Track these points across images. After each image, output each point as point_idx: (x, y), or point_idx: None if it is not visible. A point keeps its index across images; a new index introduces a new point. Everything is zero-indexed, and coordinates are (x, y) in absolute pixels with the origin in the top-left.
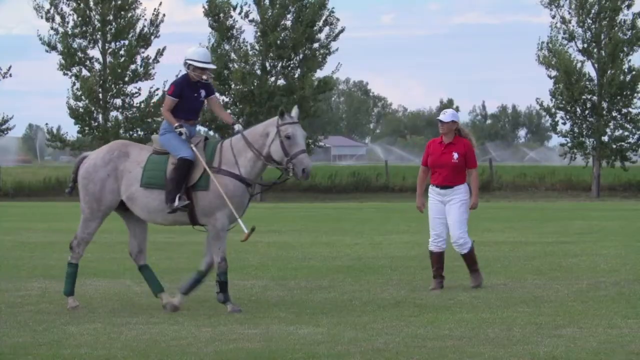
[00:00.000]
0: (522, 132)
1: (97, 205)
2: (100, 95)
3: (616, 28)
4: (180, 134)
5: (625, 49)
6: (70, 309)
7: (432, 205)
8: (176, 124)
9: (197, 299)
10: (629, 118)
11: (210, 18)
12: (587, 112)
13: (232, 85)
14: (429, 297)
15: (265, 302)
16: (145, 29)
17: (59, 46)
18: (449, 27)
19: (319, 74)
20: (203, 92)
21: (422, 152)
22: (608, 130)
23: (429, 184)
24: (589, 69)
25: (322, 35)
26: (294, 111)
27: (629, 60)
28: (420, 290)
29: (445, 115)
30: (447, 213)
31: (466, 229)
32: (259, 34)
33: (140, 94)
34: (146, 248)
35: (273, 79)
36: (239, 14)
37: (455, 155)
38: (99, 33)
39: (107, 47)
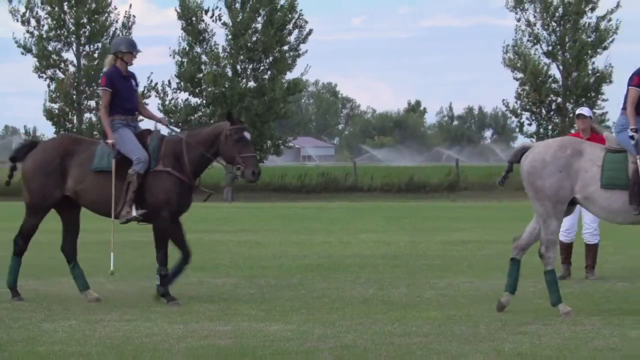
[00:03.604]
0: (488, 133)
1: (550, 202)
2: (75, 97)
3: (580, 31)
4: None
5: (589, 51)
6: (564, 315)
7: None
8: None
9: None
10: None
11: (182, 21)
12: (552, 113)
13: (204, 87)
14: (396, 295)
15: (236, 299)
16: (118, 32)
17: (34, 49)
18: (418, 30)
19: (289, 76)
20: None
21: (389, 152)
22: (573, 130)
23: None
24: (554, 71)
25: (291, 38)
26: None
27: (593, 63)
28: (387, 288)
29: (586, 111)
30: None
31: (599, 222)
32: (230, 37)
33: None
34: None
35: (244, 81)
36: (211, 17)
37: None
38: (73, 36)
39: (81, 50)
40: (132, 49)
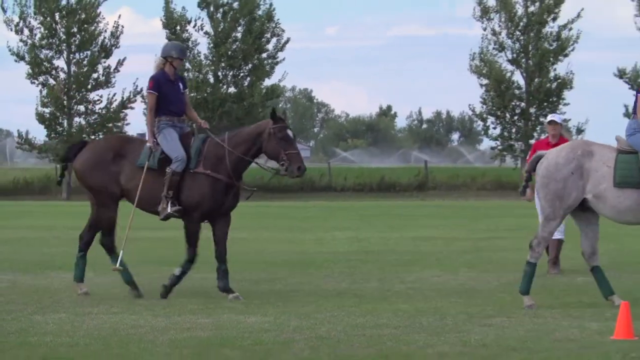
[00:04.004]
0: (455, 136)
1: (560, 204)
2: (65, 102)
3: (543, 39)
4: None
5: (551, 58)
6: (527, 307)
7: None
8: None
9: (152, 290)
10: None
11: (167, 30)
12: (516, 117)
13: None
14: (368, 289)
15: (217, 293)
16: (107, 41)
17: (27, 56)
18: (389, 38)
19: (267, 82)
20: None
21: (362, 154)
22: (535, 134)
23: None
24: (518, 77)
25: (269, 46)
26: None
27: (555, 69)
28: (359, 282)
29: (557, 117)
30: None
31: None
32: (211, 45)
33: (101, 101)
34: (598, 249)
35: (225, 87)
36: (194, 27)
37: None
38: (64, 44)
39: (71, 58)
40: (182, 55)
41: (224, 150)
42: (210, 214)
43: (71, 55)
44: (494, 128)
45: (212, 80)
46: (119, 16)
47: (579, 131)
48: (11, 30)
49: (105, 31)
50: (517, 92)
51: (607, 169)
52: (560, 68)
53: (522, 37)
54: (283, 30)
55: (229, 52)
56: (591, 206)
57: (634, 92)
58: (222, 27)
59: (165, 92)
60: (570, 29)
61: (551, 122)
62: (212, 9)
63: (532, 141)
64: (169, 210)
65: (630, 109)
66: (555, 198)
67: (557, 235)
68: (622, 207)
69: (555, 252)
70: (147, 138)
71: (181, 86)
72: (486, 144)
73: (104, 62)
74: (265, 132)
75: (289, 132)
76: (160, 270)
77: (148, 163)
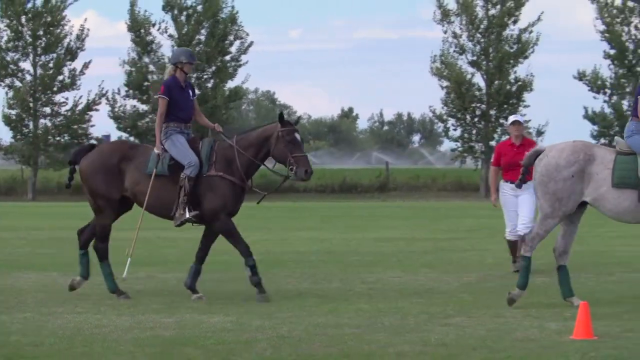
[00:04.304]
0: (416, 138)
1: (559, 205)
2: (31, 104)
3: (503, 42)
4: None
5: (511, 61)
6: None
7: (507, 200)
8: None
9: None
10: None
11: (132, 33)
12: (476, 119)
13: (151, 95)
14: (329, 289)
15: (181, 293)
16: (72, 44)
17: None
18: (351, 41)
19: (230, 84)
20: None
21: (324, 155)
22: (496, 135)
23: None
24: (478, 79)
25: (233, 49)
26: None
27: (515, 72)
28: (321, 282)
29: (520, 118)
30: (520, 203)
31: (533, 216)
32: (175, 47)
33: (67, 103)
34: (570, 249)
35: None
36: (158, 29)
37: None
38: (30, 47)
39: (37, 60)
40: (191, 60)
41: (233, 153)
42: (233, 214)
43: (37, 57)
44: (455, 130)
45: None
46: (85, 19)
47: (539, 133)
48: None
49: (71, 34)
50: (477, 94)
51: (608, 172)
52: (521, 70)
53: (482, 40)
54: (247, 34)
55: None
56: (591, 205)
57: (635, 93)
58: (185, 30)
59: (176, 98)
60: (531, 31)
61: (514, 122)
62: (176, 12)
63: (493, 143)
64: (187, 216)
65: (590, 111)
66: (554, 199)
67: (512, 237)
68: (621, 208)
69: (516, 252)
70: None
71: (190, 93)
72: (447, 145)
73: (70, 65)
74: (274, 136)
75: (297, 136)
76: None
77: (156, 170)
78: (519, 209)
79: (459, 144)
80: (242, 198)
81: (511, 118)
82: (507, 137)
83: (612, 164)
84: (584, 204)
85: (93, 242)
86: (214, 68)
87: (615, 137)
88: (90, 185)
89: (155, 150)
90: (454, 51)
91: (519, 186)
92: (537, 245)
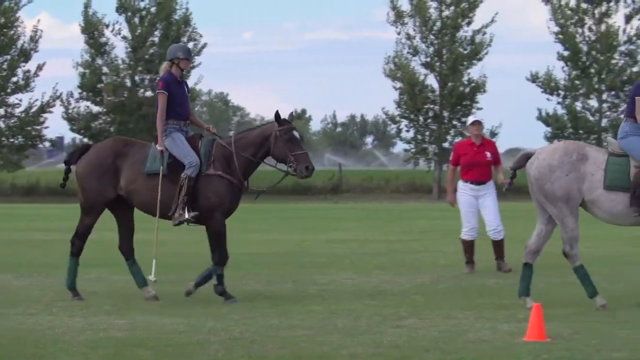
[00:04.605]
0: (369, 139)
1: (562, 203)
2: None
3: (457, 43)
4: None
5: (465, 62)
6: (601, 307)
7: (465, 200)
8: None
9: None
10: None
11: (85, 35)
12: (429, 120)
13: (104, 97)
14: (282, 290)
15: (133, 294)
16: (26, 45)
17: None
18: (303, 42)
19: None
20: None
21: None
22: (448, 137)
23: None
24: (432, 81)
25: None
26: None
27: (469, 73)
28: (274, 284)
29: (477, 118)
30: (483, 206)
31: (501, 218)
32: (129, 49)
33: (21, 105)
34: (542, 250)
35: (142, 90)
36: (112, 31)
37: (489, 155)
38: None
39: None
40: (188, 55)
41: (231, 153)
42: (229, 214)
43: None
44: (407, 131)
45: (129, 84)
46: (38, 21)
47: (493, 135)
48: None
49: (25, 35)
50: (430, 95)
51: (602, 172)
52: (474, 72)
53: (436, 41)
54: (200, 35)
55: (146, 57)
56: (585, 209)
57: (632, 94)
58: (139, 31)
59: (174, 94)
60: (484, 33)
61: (475, 122)
62: (129, 13)
63: (447, 144)
64: (186, 216)
65: (544, 113)
66: (555, 199)
67: (468, 237)
68: (615, 210)
69: (469, 253)
70: (158, 141)
71: (186, 89)
72: (400, 147)
73: (24, 66)
74: (272, 135)
75: (295, 133)
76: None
77: (155, 168)
78: (484, 214)
79: (412, 146)
80: (239, 198)
81: (471, 118)
82: (464, 137)
83: (605, 164)
84: None
85: (71, 237)
86: None
87: (608, 138)
88: (83, 186)
89: (158, 148)
90: (407, 52)
91: (508, 189)
92: (578, 248)
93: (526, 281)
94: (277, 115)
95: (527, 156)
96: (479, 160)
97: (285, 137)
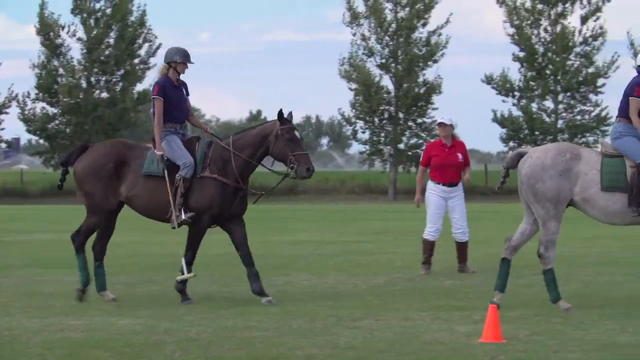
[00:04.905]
0: (324, 140)
1: (550, 204)
2: None
3: (412, 45)
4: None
5: (420, 63)
6: (564, 310)
7: (434, 201)
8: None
9: (27, 293)
10: (423, 127)
11: (41, 36)
12: (384, 121)
13: (60, 98)
14: (238, 292)
15: (90, 295)
16: None
17: None
18: (260, 44)
19: (139, 87)
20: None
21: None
22: (404, 138)
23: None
24: (387, 82)
25: (142, 52)
26: None
27: (424, 74)
28: (230, 285)
29: (447, 119)
30: (452, 207)
31: (467, 221)
32: (85, 51)
33: None
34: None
35: (97, 92)
36: (67, 32)
37: (460, 156)
38: None
39: None
40: (185, 59)
41: (229, 154)
42: (218, 218)
43: None
44: (363, 132)
45: (84, 85)
46: None
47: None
48: None
49: None
50: (386, 96)
51: (596, 173)
52: (429, 73)
53: (391, 43)
54: (156, 36)
55: (102, 58)
56: (578, 208)
57: (625, 94)
58: (95, 33)
59: (170, 98)
60: (440, 34)
61: (440, 124)
62: (85, 15)
63: (402, 146)
64: (183, 217)
65: (499, 114)
66: (544, 199)
67: (431, 237)
68: (611, 210)
69: (429, 253)
70: (155, 145)
71: (184, 92)
72: (355, 148)
73: None
74: (272, 134)
75: (297, 134)
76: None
77: (152, 170)
78: (453, 215)
79: (367, 147)
80: (242, 199)
81: (439, 119)
82: (436, 137)
83: (600, 165)
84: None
85: (72, 234)
86: (122, 71)
87: (600, 139)
88: (85, 188)
89: (157, 153)
90: (363, 54)
91: (499, 189)
92: (553, 252)
93: (503, 277)
94: (280, 113)
95: (520, 155)
96: (451, 162)
97: (286, 136)
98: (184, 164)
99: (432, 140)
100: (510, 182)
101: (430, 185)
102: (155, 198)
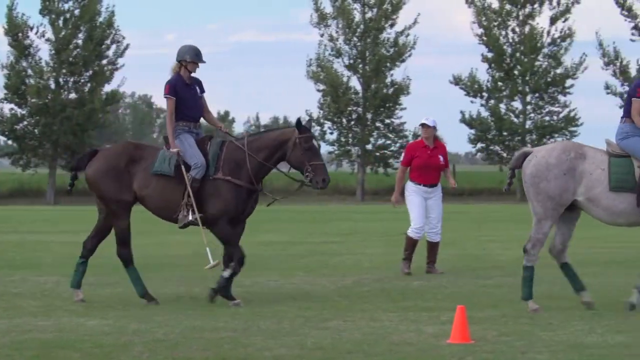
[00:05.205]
0: None
1: (551, 204)
2: None
3: (380, 45)
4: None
5: (388, 64)
6: (532, 311)
7: (418, 201)
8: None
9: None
10: (391, 128)
11: (9, 37)
12: (352, 122)
13: (29, 99)
14: (206, 292)
15: (58, 296)
16: None
17: None
18: (226, 45)
19: (107, 88)
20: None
21: None
22: (372, 139)
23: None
24: (355, 83)
25: (110, 53)
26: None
27: (392, 75)
28: (198, 285)
29: (430, 121)
30: (430, 207)
31: (442, 222)
32: (53, 51)
33: None
34: (568, 246)
35: (66, 92)
36: (36, 33)
37: (441, 158)
38: None
39: None
40: (196, 59)
41: (244, 155)
42: (235, 219)
43: None
44: (331, 133)
45: (53, 86)
46: None
47: (416, 137)
48: None
49: None
50: (353, 97)
51: (601, 172)
52: (397, 74)
53: (359, 43)
54: (123, 37)
55: (70, 59)
56: (582, 208)
57: (629, 95)
58: (63, 33)
59: (182, 96)
60: (408, 35)
61: (423, 125)
62: (53, 16)
63: (370, 146)
64: (190, 217)
65: (468, 115)
66: (546, 198)
67: (416, 235)
68: (617, 210)
69: (411, 250)
70: (170, 144)
71: (198, 90)
72: (323, 148)
73: None
74: (291, 141)
75: (315, 143)
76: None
77: (163, 169)
78: (430, 215)
79: (335, 148)
80: (254, 200)
81: (422, 120)
82: (418, 137)
83: (606, 165)
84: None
85: (117, 251)
86: (91, 72)
87: (605, 139)
88: (100, 192)
89: (172, 150)
90: (330, 55)
91: (507, 189)
92: (539, 251)
93: (574, 279)
94: (298, 121)
95: (525, 155)
96: (432, 164)
97: (305, 145)
98: (196, 164)
99: (413, 141)
100: (486, 183)
101: (411, 185)
102: (165, 197)
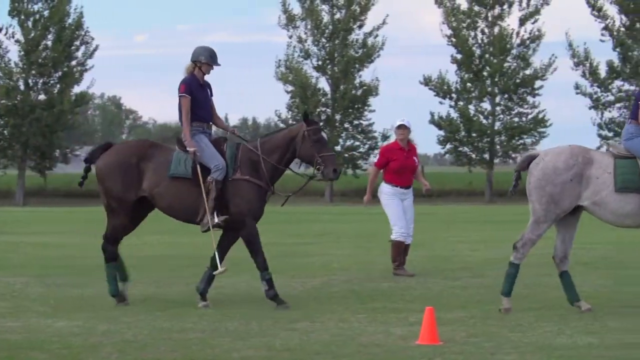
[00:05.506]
0: None
1: (554, 208)
2: None
3: (349, 46)
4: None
5: (357, 65)
6: (504, 310)
7: (396, 204)
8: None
9: None
10: (360, 129)
11: None
12: (321, 124)
13: None
14: (174, 294)
15: (27, 297)
16: None
17: None
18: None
19: (77, 89)
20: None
21: None
22: (341, 140)
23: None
24: (324, 84)
25: (79, 54)
26: None
27: (360, 76)
28: (166, 286)
29: (406, 122)
30: (406, 209)
31: (413, 225)
32: (22, 53)
33: None
34: (569, 254)
35: (35, 94)
36: (5, 34)
37: (416, 160)
38: None
39: None
40: (211, 61)
41: (258, 158)
42: (258, 219)
43: None
44: None
45: (22, 87)
46: None
47: (385, 138)
48: None
49: None
50: (322, 98)
51: (608, 176)
52: (366, 75)
53: (328, 45)
54: (93, 38)
55: (39, 60)
56: (588, 211)
57: (636, 99)
58: (32, 35)
59: (196, 97)
60: (376, 35)
61: (400, 126)
62: (22, 17)
63: (338, 148)
64: (216, 220)
65: (437, 116)
66: (550, 201)
67: (402, 237)
68: (624, 211)
69: (400, 253)
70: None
71: (209, 92)
72: None
73: None
74: (299, 135)
75: (323, 134)
76: None
77: (179, 172)
78: (406, 215)
79: None
80: (265, 202)
81: (398, 121)
82: (391, 140)
83: (612, 168)
84: (578, 208)
85: (102, 245)
86: (60, 73)
87: (609, 141)
88: (105, 185)
89: (190, 150)
90: (299, 56)
91: (513, 192)
92: (527, 250)
93: (570, 289)
94: (305, 114)
95: (531, 158)
96: (409, 165)
97: (313, 137)
98: (217, 166)
99: (387, 143)
100: (454, 185)
101: (388, 188)
102: (183, 200)
